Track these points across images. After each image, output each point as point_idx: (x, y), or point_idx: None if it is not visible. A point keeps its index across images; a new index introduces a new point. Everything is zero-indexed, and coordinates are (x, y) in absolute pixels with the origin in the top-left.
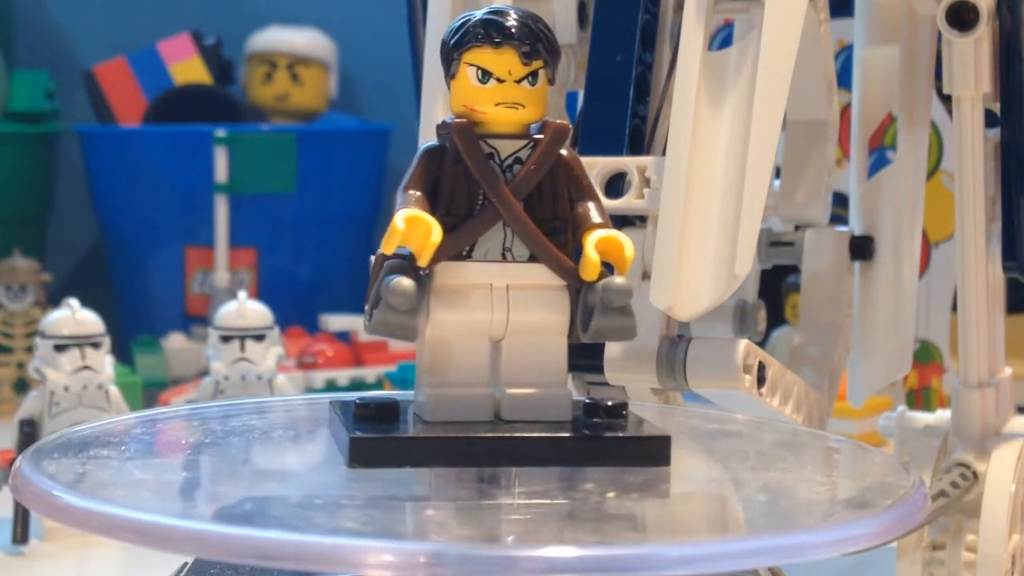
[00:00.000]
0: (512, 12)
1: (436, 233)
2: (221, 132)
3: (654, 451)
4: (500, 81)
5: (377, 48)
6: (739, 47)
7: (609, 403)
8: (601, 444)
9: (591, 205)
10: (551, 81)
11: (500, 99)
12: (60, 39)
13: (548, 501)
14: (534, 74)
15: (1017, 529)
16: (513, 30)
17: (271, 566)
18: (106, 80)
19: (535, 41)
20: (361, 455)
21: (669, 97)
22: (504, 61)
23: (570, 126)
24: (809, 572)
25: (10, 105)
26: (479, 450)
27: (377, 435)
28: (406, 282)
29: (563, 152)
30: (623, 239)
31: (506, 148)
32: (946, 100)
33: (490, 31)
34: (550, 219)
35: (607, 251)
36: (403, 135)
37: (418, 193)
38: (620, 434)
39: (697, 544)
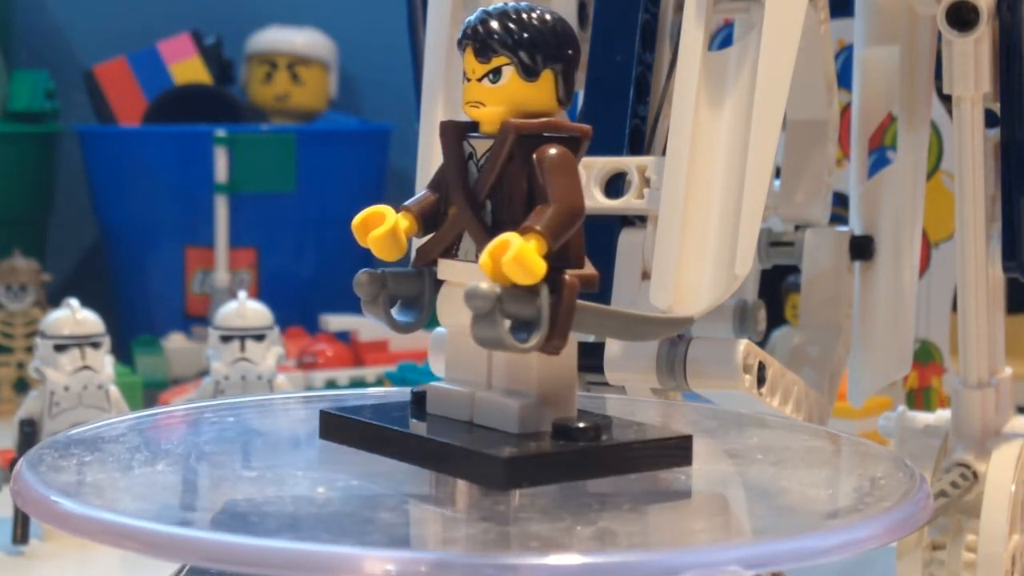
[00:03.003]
0: (494, 10)
1: (385, 226)
2: (221, 132)
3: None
4: (468, 80)
5: (377, 48)
6: (739, 47)
7: (580, 424)
8: (500, 467)
9: (539, 207)
10: (527, 77)
11: (467, 98)
12: (60, 39)
13: (549, 507)
14: (495, 72)
15: (1017, 529)
16: (470, 29)
17: (271, 575)
18: (106, 80)
19: (488, 38)
20: (325, 428)
21: (669, 97)
22: (468, 60)
23: (537, 122)
24: (809, 572)
25: (10, 105)
26: (406, 447)
27: (343, 414)
28: (362, 276)
29: (538, 152)
30: (512, 242)
31: (480, 147)
32: (946, 100)
33: (464, 30)
34: (517, 220)
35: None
36: (403, 135)
37: (425, 191)
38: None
39: (701, 551)
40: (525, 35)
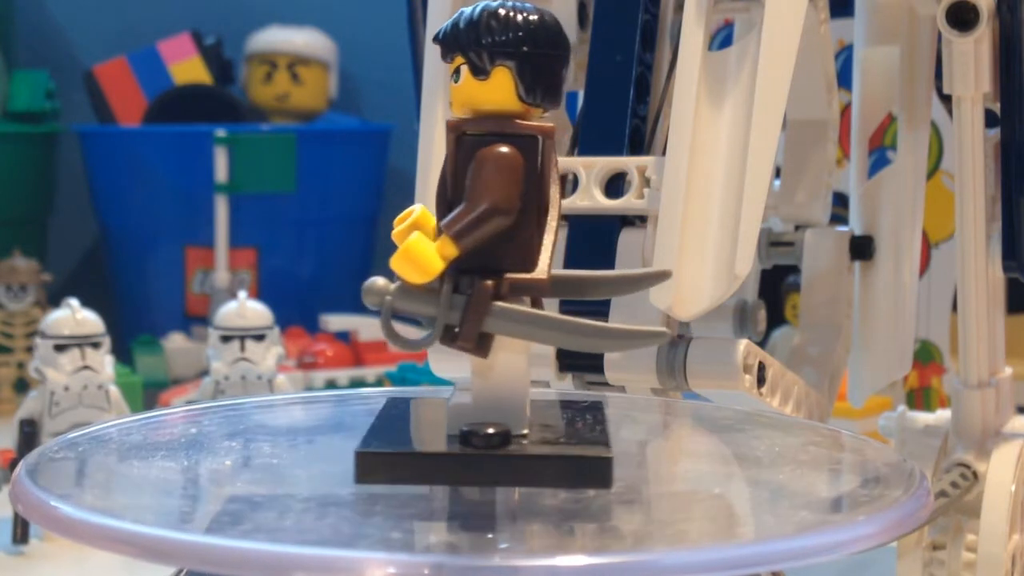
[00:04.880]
0: (468, 10)
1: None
2: (221, 132)
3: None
4: None
5: (377, 48)
6: (739, 47)
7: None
8: None
9: (457, 208)
10: (477, 76)
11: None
12: (60, 39)
13: (547, 509)
14: (456, 72)
15: (1017, 529)
16: (439, 31)
17: None
18: (106, 80)
19: (446, 38)
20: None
21: (669, 97)
22: None
23: (482, 122)
24: (809, 572)
25: (10, 105)
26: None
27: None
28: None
29: (478, 152)
30: (411, 241)
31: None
32: (946, 100)
33: None
34: None
35: None
36: (403, 135)
37: None
38: None
39: (700, 551)
40: (474, 33)
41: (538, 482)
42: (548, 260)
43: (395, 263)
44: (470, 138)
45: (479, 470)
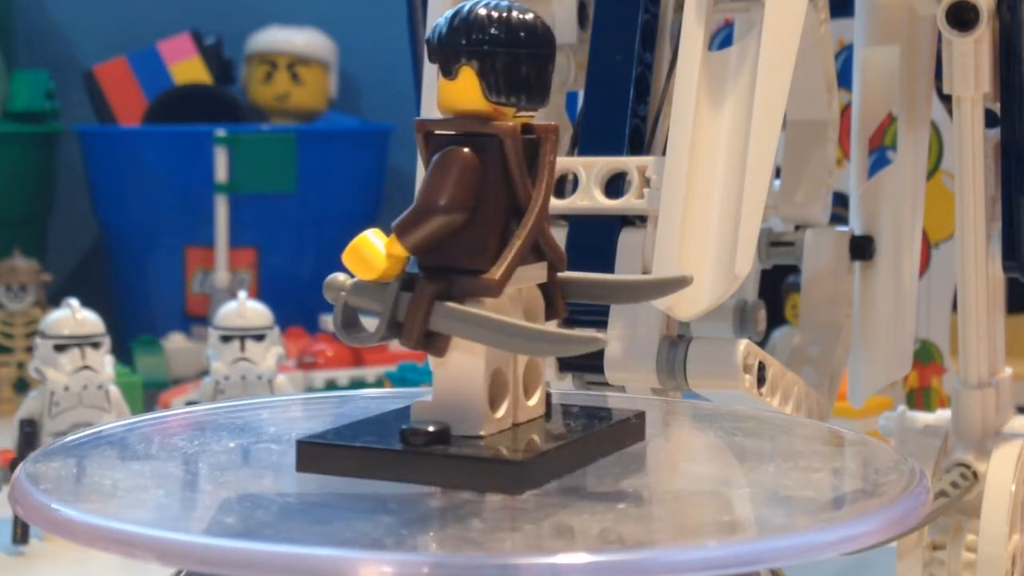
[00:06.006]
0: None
1: None
2: (221, 132)
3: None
4: None
5: (377, 48)
6: (739, 47)
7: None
8: None
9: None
10: (445, 76)
11: None
12: (60, 39)
13: (549, 507)
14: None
15: (1017, 529)
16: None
17: None
18: (106, 80)
19: (427, 38)
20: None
21: (669, 97)
22: None
23: (443, 122)
24: (809, 571)
25: (10, 105)
26: None
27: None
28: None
29: (435, 153)
30: (360, 237)
31: None
32: (946, 100)
33: None
34: None
35: None
36: (403, 135)
37: None
38: None
39: (701, 548)
40: (442, 33)
41: (450, 483)
42: (509, 261)
43: (345, 258)
44: (435, 138)
45: (401, 467)
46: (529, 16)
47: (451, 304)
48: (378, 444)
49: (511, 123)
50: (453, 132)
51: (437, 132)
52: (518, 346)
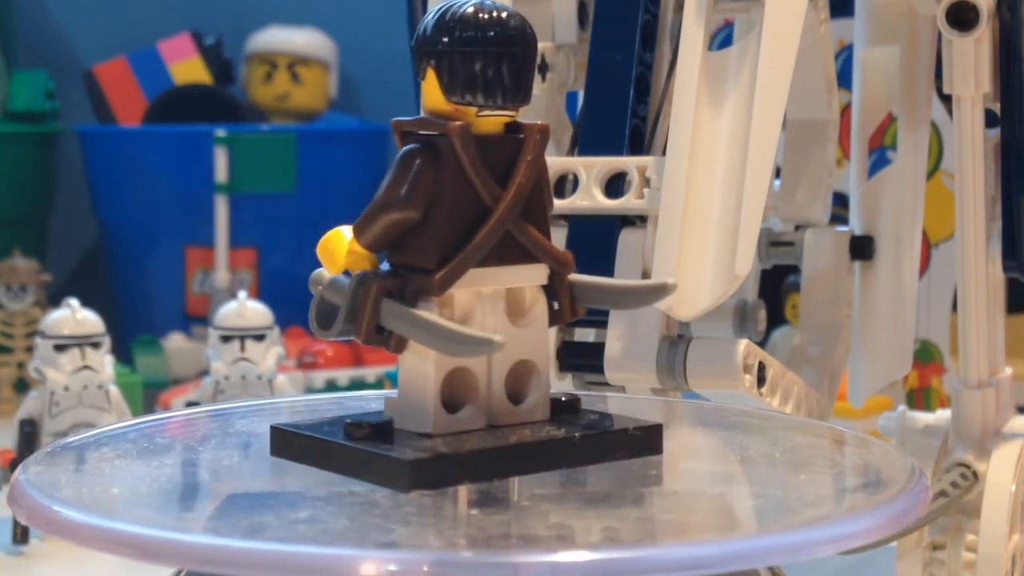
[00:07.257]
0: None
1: None
2: (221, 132)
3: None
4: None
5: (377, 48)
6: (739, 47)
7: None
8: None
9: None
10: (417, 76)
11: None
12: (60, 39)
13: (549, 506)
14: None
15: (1017, 529)
16: None
17: None
18: (106, 80)
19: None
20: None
21: (669, 97)
22: None
23: (407, 121)
24: (809, 571)
25: (10, 105)
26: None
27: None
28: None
29: None
30: (329, 233)
31: None
32: (946, 100)
33: None
34: None
35: None
36: None
37: None
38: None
39: (701, 546)
40: (415, 35)
41: (356, 474)
42: (456, 261)
43: (317, 252)
44: (406, 137)
45: (335, 458)
46: (499, 15)
47: (391, 301)
48: (324, 436)
49: (462, 122)
50: (408, 131)
51: (407, 131)
52: (432, 343)
